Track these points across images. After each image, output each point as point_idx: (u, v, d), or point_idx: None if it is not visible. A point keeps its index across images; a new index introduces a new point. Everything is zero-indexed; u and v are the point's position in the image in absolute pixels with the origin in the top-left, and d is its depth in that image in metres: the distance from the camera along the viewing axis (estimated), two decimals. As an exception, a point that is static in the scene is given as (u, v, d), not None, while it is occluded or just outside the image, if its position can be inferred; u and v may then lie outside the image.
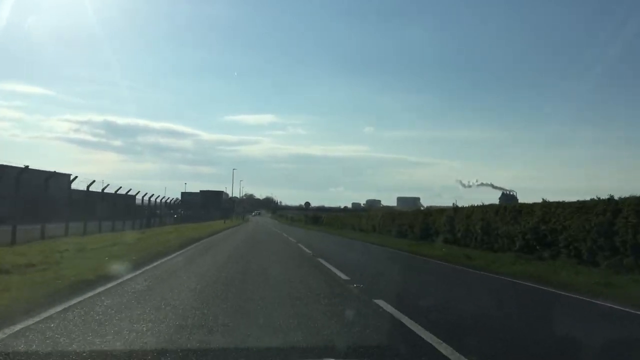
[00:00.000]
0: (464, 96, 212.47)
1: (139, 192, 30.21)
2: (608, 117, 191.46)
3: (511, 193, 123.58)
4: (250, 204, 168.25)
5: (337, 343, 4.97)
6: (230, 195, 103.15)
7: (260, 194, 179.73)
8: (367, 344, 5.03)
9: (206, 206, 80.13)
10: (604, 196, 12.64)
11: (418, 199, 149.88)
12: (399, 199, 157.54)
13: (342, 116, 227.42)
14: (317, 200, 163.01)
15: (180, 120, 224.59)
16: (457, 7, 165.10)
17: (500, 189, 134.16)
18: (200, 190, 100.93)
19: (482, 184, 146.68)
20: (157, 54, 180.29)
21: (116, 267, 9.91)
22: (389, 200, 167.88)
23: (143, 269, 10.60)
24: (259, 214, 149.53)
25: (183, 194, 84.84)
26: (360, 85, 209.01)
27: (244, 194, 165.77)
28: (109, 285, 8.15)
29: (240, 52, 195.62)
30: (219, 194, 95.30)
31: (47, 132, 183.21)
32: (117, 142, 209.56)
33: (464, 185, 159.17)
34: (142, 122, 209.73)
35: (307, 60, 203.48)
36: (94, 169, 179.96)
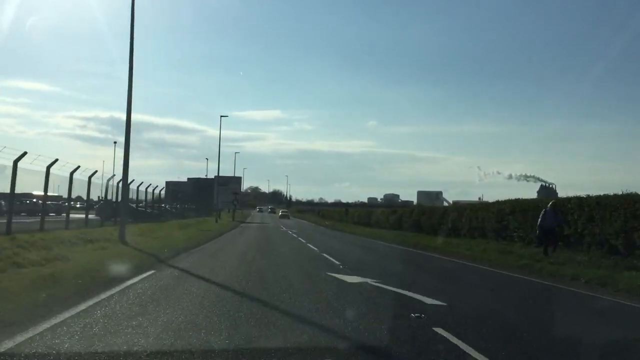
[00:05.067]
0: (469, 91, 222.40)
1: (78, 167, 20.48)
2: (613, 110, 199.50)
3: (551, 186, 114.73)
4: (255, 197, 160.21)
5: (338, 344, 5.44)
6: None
7: (266, 189, 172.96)
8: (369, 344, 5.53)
9: (197, 197, 70.18)
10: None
11: (440, 192, 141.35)
12: (420, 193, 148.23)
13: (348, 111, 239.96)
14: (326, 195, 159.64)
15: (186, 116, 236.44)
16: (462, 1, 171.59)
17: (537, 179, 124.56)
18: (188, 178, 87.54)
19: (525, 176, 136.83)
20: (162, 50, 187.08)
21: None
22: (405, 194, 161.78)
23: None
24: (285, 213, 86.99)
25: (168, 183, 73.23)
26: (366, 80, 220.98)
27: (248, 186, 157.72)
28: None
29: (245, 48, 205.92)
30: (212, 183, 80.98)
31: (53, 129, 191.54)
32: (123, 139, 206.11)
33: (481, 178, 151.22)
34: (147, 118, 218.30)
35: (313, 54, 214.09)
36: (100, 165, 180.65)
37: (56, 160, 17.75)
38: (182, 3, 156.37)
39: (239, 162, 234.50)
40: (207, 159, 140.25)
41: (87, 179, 22.26)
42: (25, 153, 15.50)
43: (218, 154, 52.84)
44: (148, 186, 33.19)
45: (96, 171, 22.35)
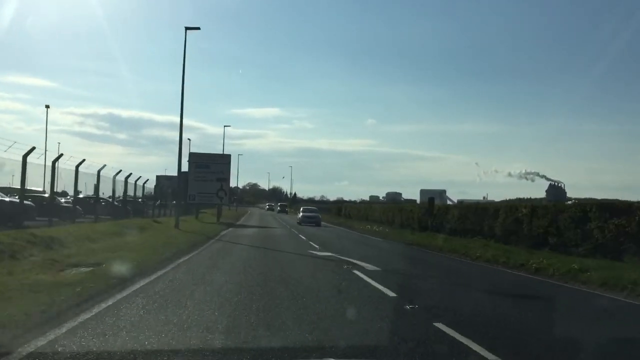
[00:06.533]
0: (468, 90, 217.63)
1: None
2: (613, 110, 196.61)
3: (559, 184, 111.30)
4: (254, 194, 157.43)
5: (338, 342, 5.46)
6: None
7: (265, 185, 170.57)
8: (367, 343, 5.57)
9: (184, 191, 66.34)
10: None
11: (444, 191, 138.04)
12: (422, 191, 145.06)
13: (348, 109, 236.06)
14: (326, 194, 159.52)
15: (185, 114, 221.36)
16: (463, 0, 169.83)
17: (537, 174, 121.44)
18: (179, 172, 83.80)
19: (526, 173, 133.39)
20: (162, 46, 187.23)
21: None
22: (406, 193, 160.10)
23: None
24: (312, 215, 44.91)
25: (159, 177, 70.06)
26: (366, 78, 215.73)
27: (246, 183, 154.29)
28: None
29: (244, 45, 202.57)
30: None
31: (51, 125, 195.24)
32: (122, 135, 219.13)
33: (481, 176, 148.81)
34: (146, 115, 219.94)
35: (313, 52, 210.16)
36: (99, 162, 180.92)
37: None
38: (181, 0, 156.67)
39: (237, 155, 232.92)
40: (189, 139, 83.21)
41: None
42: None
43: (182, 96, 36.85)
44: (100, 167, 24.64)
45: (35, 148, 18.04)
